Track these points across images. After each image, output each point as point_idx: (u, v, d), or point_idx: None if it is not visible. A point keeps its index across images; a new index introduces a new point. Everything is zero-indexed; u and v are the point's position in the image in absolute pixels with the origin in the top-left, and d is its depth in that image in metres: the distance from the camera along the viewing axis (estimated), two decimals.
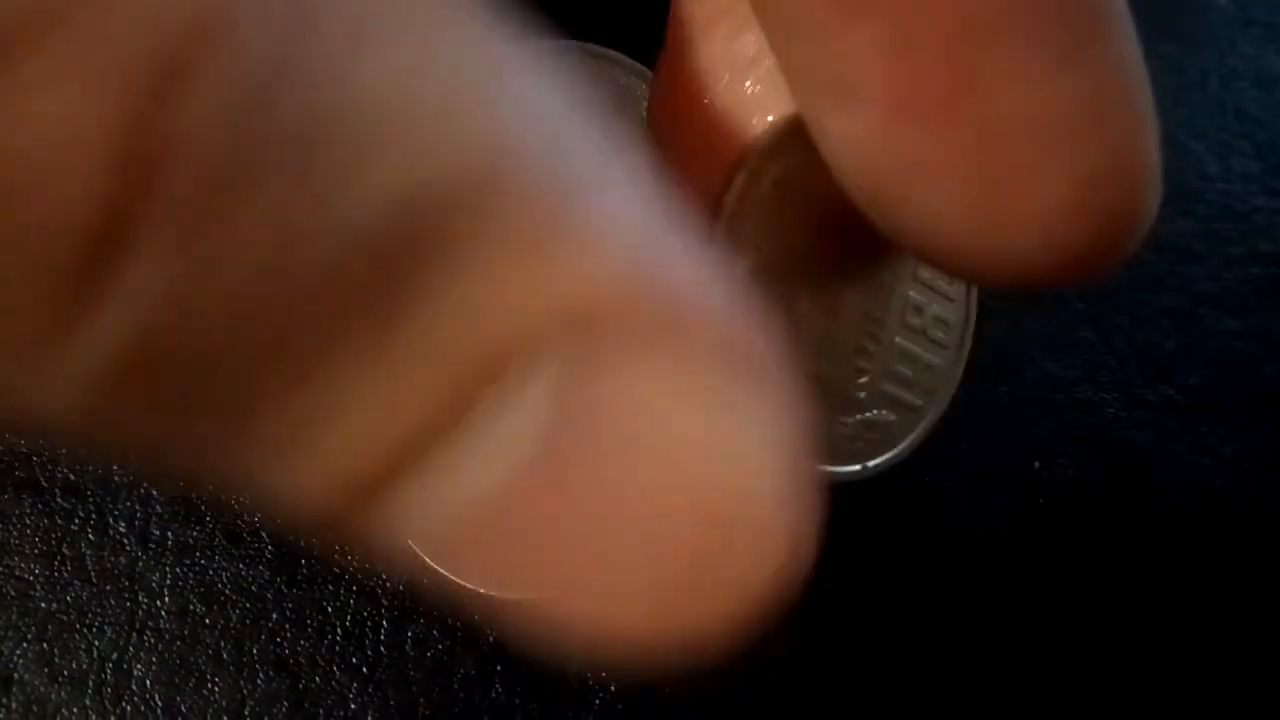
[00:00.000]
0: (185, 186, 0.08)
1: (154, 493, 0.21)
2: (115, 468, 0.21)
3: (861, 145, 0.13)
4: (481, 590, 0.11)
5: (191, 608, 0.20)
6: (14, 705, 0.19)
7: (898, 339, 0.17)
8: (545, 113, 0.10)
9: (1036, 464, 0.22)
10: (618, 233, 0.10)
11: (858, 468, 0.17)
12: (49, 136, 0.08)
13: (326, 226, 0.08)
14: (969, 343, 0.18)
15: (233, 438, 0.09)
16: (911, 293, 0.17)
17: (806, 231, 0.16)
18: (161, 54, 0.08)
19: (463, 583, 0.11)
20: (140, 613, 0.20)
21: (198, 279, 0.08)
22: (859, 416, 0.17)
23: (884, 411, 0.17)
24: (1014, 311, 0.24)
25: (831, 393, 0.17)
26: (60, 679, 0.19)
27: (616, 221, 0.10)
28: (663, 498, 0.10)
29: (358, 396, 0.09)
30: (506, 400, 0.10)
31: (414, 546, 0.10)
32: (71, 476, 0.21)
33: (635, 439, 0.10)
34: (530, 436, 0.10)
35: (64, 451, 0.21)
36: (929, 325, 0.18)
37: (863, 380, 0.17)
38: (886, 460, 0.17)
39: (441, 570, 0.11)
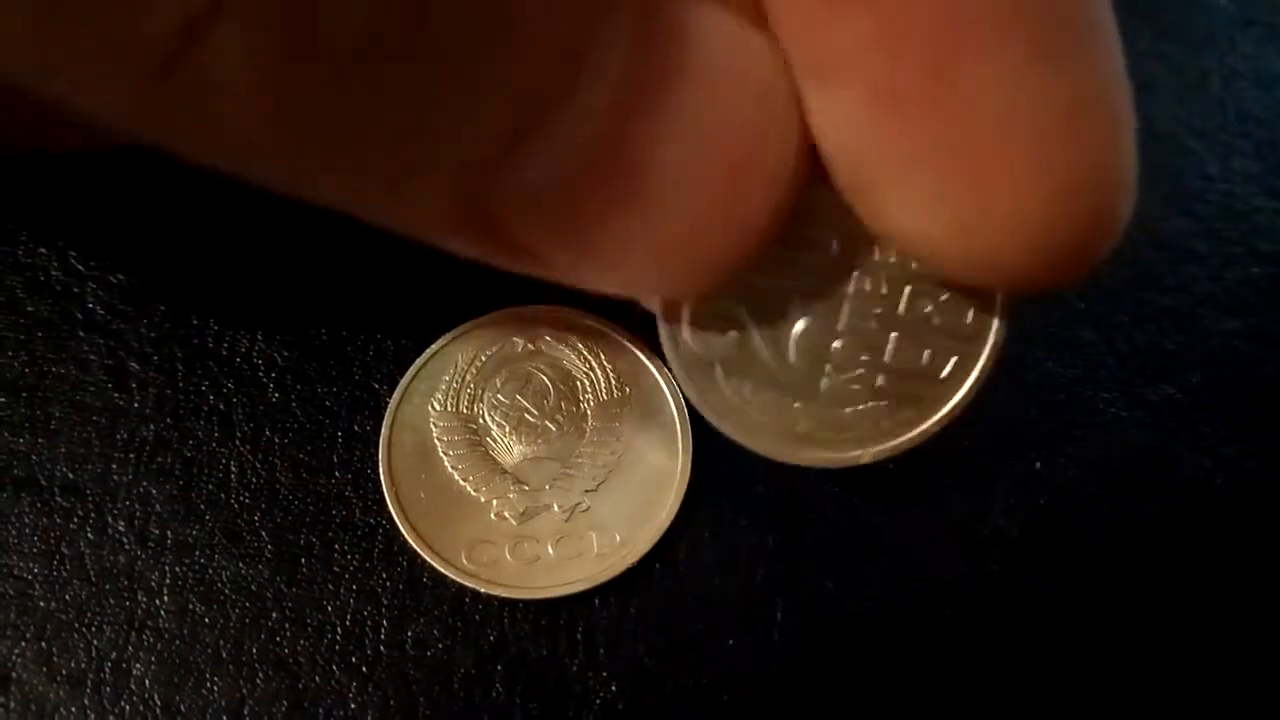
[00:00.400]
0: None
1: (153, 491, 0.21)
2: (114, 466, 0.21)
3: (842, 129, 0.13)
4: (567, 251, 0.14)
5: (191, 607, 0.20)
6: (12, 705, 0.19)
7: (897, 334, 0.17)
8: None
9: (1037, 464, 0.22)
10: None
11: (858, 452, 0.17)
12: None
13: None
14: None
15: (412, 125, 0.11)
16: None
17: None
18: None
19: (550, 251, 0.14)
20: (139, 612, 0.20)
21: None
22: (861, 407, 0.17)
23: (884, 403, 0.17)
24: (1014, 310, 0.24)
25: (833, 386, 0.17)
26: (59, 678, 0.19)
27: None
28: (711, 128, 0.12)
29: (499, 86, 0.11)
30: (595, 62, 0.11)
31: (517, 223, 0.13)
32: (70, 475, 0.21)
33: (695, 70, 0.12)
34: (612, 79, 0.12)
35: (62, 450, 0.21)
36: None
37: (860, 371, 0.17)
38: (888, 449, 0.17)
39: (533, 243, 0.14)
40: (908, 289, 0.17)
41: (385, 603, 0.20)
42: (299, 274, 0.23)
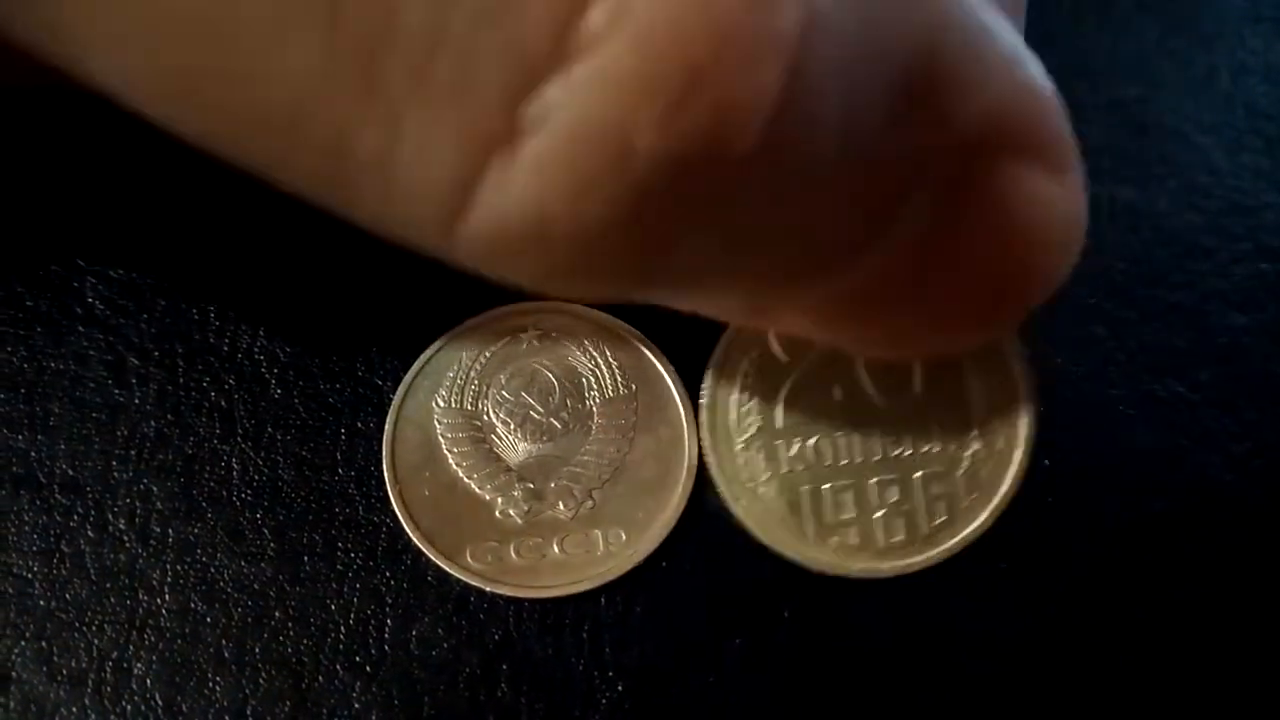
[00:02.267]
0: None
1: (154, 489, 0.21)
2: (114, 463, 0.21)
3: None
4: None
5: (192, 606, 0.20)
6: (12, 705, 0.19)
7: None
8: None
9: (1046, 461, 0.22)
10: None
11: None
12: None
13: None
14: None
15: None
16: None
17: None
18: None
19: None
20: (140, 611, 0.20)
21: None
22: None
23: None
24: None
25: None
26: (59, 678, 0.19)
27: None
28: (1006, 239, 0.15)
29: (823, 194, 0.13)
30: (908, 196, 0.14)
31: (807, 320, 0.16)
32: (70, 472, 0.21)
33: (993, 204, 0.15)
34: (924, 215, 0.14)
35: (61, 446, 0.21)
36: None
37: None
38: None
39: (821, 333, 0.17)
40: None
41: (389, 601, 0.20)
42: (302, 269, 0.23)
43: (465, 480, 0.21)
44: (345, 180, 0.11)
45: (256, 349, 0.22)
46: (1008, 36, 0.14)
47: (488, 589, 0.20)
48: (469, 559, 0.20)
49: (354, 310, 0.22)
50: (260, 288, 0.23)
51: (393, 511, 0.20)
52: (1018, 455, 0.21)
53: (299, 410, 0.21)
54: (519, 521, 0.20)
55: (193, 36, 0.10)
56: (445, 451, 0.21)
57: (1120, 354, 0.23)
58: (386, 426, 0.21)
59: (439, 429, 0.21)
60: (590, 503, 0.21)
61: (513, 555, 0.20)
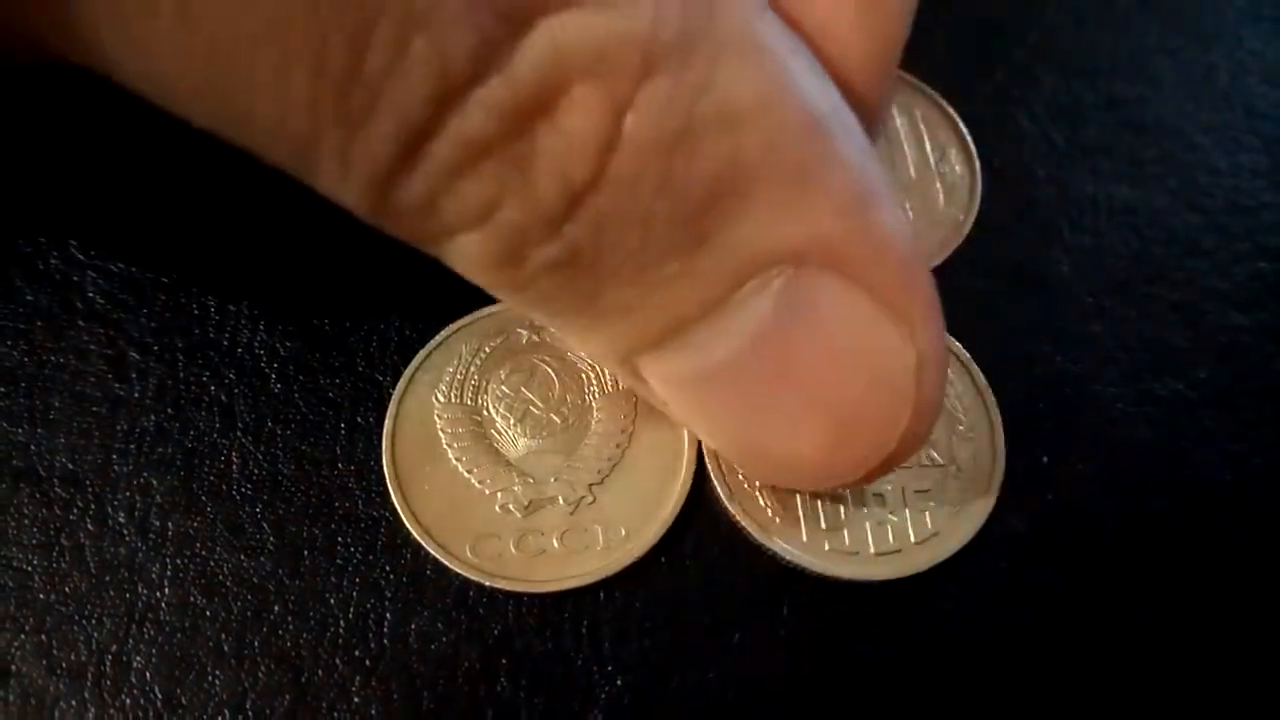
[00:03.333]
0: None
1: (154, 482, 0.21)
2: (114, 457, 0.21)
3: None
4: (700, 436, 0.20)
5: (192, 599, 0.20)
6: (12, 698, 0.19)
7: None
8: (805, 84, 0.16)
9: (1045, 459, 0.22)
10: (847, 181, 0.16)
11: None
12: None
13: (685, 185, 0.15)
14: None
15: (587, 306, 0.16)
16: None
17: None
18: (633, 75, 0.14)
19: (688, 424, 0.20)
20: (140, 604, 0.20)
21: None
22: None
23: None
24: (1022, 307, 0.24)
25: None
26: (59, 671, 0.19)
27: (847, 173, 0.16)
28: (840, 373, 0.17)
29: (666, 284, 0.16)
30: (749, 296, 0.16)
31: (663, 392, 0.18)
32: (70, 466, 0.21)
33: (829, 335, 0.17)
34: (758, 321, 0.16)
35: (62, 440, 0.21)
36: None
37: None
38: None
39: (677, 412, 0.19)
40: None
41: (389, 596, 0.20)
42: (302, 264, 0.23)
43: (465, 475, 0.21)
44: (311, 166, 0.15)
45: (257, 344, 0.22)
46: (867, 184, 0.16)
47: (487, 584, 0.20)
48: (469, 554, 0.20)
49: (354, 305, 0.22)
50: (260, 283, 0.23)
51: (392, 506, 0.20)
52: (998, 470, 0.21)
53: (299, 405, 0.21)
54: (519, 516, 0.20)
55: (216, 71, 0.14)
56: (445, 446, 0.21)
57: (1119, 352, 0.23)
58: (386, 421, 0.21)
59: (439, 424, 0.21)
60: (590, 498, 0.21)
61: (512, 550, 0.20)
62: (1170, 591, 0.21)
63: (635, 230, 0.15)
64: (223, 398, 0.21)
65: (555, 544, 0.20)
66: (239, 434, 0.21)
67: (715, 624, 0.20)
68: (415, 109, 0.14)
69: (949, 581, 0.21)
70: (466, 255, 0.16)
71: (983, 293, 0.24)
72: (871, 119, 0.18)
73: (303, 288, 0.23)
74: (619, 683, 0.20)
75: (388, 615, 0.20)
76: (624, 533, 0.20)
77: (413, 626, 0.20)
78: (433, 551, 0.20)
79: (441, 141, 0.14)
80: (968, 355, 0.23)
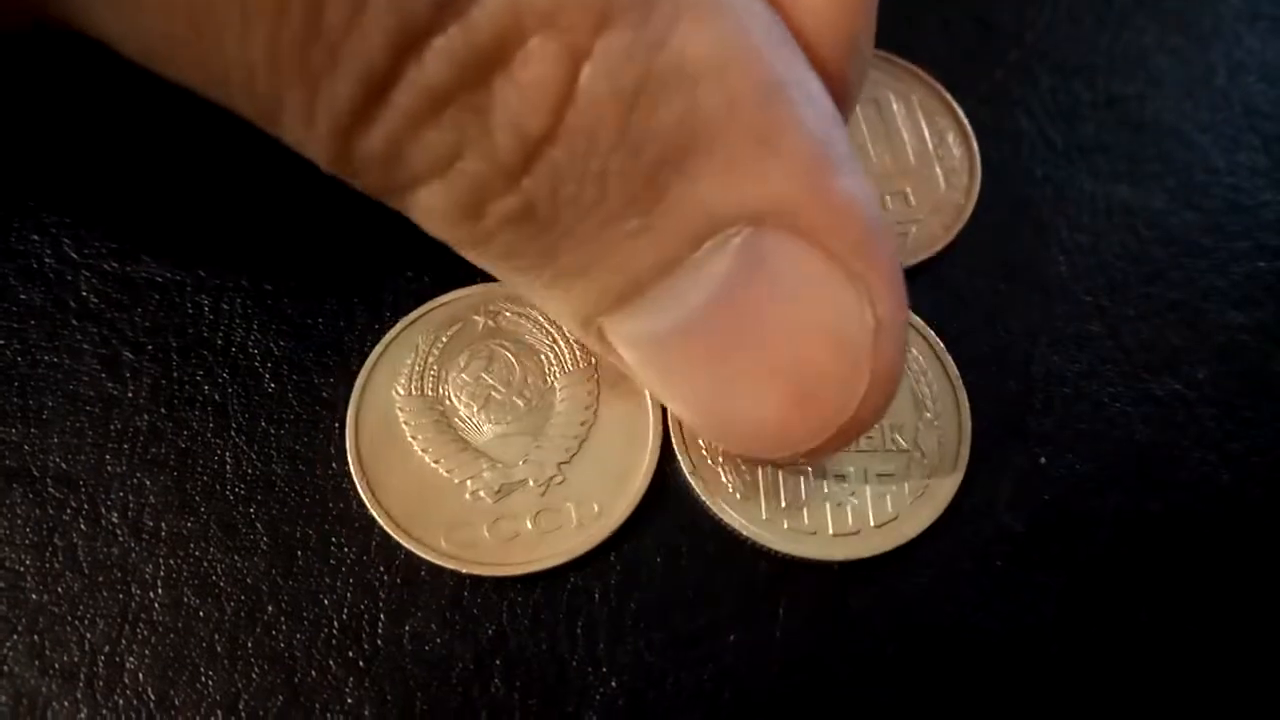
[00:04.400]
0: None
1: (147, 482, 0.21)
2: (108, 457, 0.21)
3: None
4: (665, 402, 0.19)
5: (185, 600, 0.20)
6: (3, 699, 0.19)
7: None
8: (767, 47, 0.16)
9: (1042, 459, 0.22)
10: (807, 144, 0.16)
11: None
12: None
13: (641, 141, 0.15)
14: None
15: (544, 263, 0.17)
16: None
17: None
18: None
19: (652, 389, 0.19)
20: (133, 605, 0.20)
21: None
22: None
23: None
24: (1019, 306, 0.24)
25: None
26: (51, 672, 0.19)
27: (808, 137, 0.16)
28: (799, 336, 0.17)
29: (624, 241, 0.16)
30: (707, 256, 0.16)
31: (627, 355, 0.18)
32: (63, 466, 0.21)
33: (787, 296, 0.17)
34: (716, 281, 0.16)
35: (55, 440, 0.21)
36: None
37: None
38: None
39: (641, 375, 0.19)
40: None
41: (382, 596, 0.20)
42: (297, 263, 0.23)
43: (432, 465, 0.21)
44: (277, 120, 0.15)
45: (250, 343, 0.22)
46: (832, 146, 0.16)
47: (464, 571, 0.20)
48: (443, 543, 0.20)
49: (349, 305, 0.22)
50: (255, 282, 0.22)
51: (361, 501, 0.20)
52: (963, 459, 0.21)
53: (293, 404, 0.21)
54: (490, 502, 0.20)
55: (191, 31, 0.14)
56: (409, 439, 0.21)
57: (1118, 352, 0.23)
58: (348, 419, 0.21)
59: (400, 417, 0.21)
60: (560, 477, 0.21)
61: (486, 535, 0.20)
62: (1168, 593, 0.21)
63: (592, 185, 0.15)
64: (216, 397, 0.21)
65: (529, 525, 0.20)
66: (233, 434, 0.21)
67: (711, 625, 0.20)
68: (376, 58, 0.14)
69: (948, 583, 0.21)
70: (428, 207, 0.16)
71: (980, 291, 0.24)
72: (841, 90, 0.18)
73: (297, 287, 0.23)
74: (614, 684, 0.19)
75: (381, 616, 0.20)
76: (596, 508, 0.20)
77: (406, 627, 0.20)
78: (406, 544, 0.20)
79: (402, 90, 0.14)
80: (941, 344, 0.22)
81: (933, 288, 0.24)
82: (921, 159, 0.25)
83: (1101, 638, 0.20)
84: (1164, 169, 0.26)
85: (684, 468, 0.21)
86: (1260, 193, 0.25)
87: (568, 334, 0.22)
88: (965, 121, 0.25)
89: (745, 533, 0.20)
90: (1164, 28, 0.28)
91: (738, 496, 0.21)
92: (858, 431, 0.18)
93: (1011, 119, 0.26)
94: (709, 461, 0.21)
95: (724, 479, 0.21)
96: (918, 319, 0.23)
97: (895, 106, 0.26)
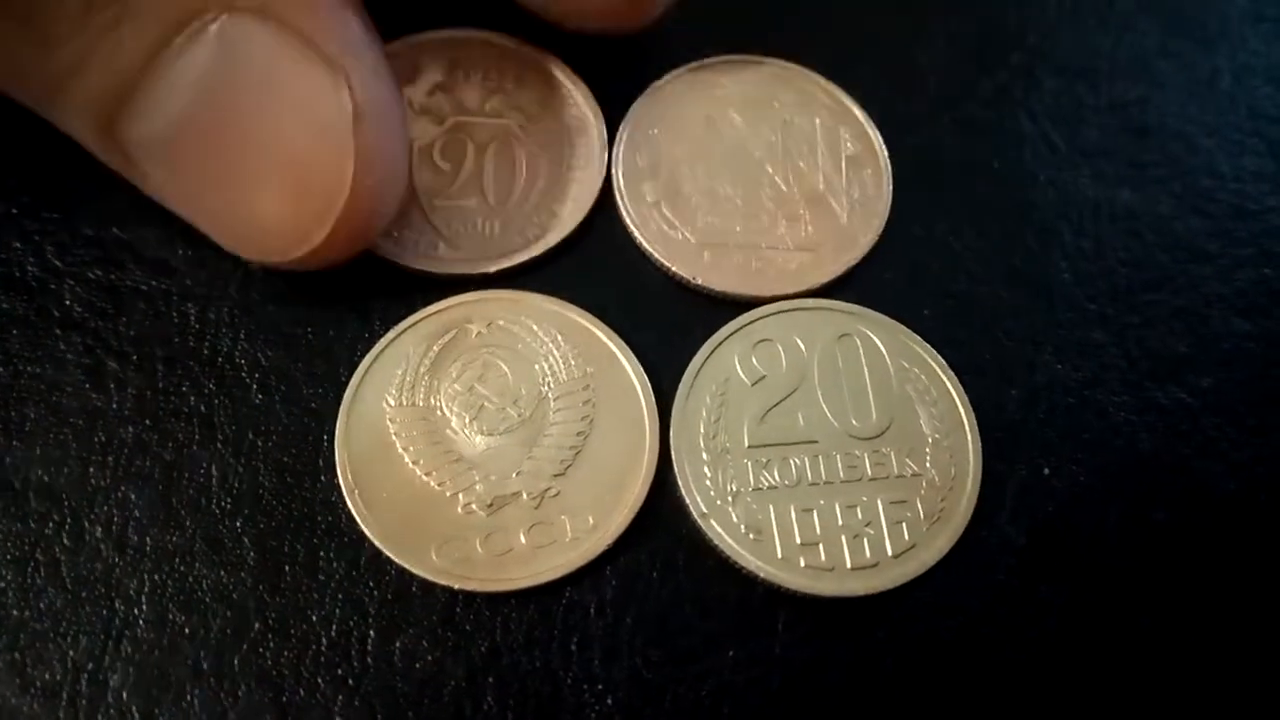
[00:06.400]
0: None
1: (132, 496, 0.20)
2: (92, 470, 0.20)
3: None
4: (179, 209, 0.20)
5: (170, 617, 0.19)
6: None
7: None
8: None
9: (1046, 470, 0.22)
10: None
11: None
12: None
13: None
14: None
15: (25, 67, 0.18)
16: None
17: None
18: None
19: (169, 198, 0.20)
20: (117, 621, 0.19)
21: None
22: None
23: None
24: (1022, 313, 0.23)
25: None
26: (33, 690, 0.19)
27: None
28: (281, 124, 0.18)
29: (107, 31, 0.17)
30: (187, 45, 0.17)
31: (142, 163, 0.19)
32: (46, 479, 0.20)
33: (265, 82, 0.18)
34: (199, 70, 0.18)
35: (38, 453, 0.20)
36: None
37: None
38: None
39: (158, 184, 0.20)
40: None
41: (372, 612, 0.19)
42: (283, 271, 0.22)
43: (423, 478, 0.20)
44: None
45: (237, 353, 0.21)
46: None
47: (456, 587, 0.19)
48: (434, 558, 0.19)
49: (337, 313, 0.22)
50: (242, 289, 0.22)
51: (351, 516, 0.20)
52: (969, 485, 0.21)
53: (280, 415, 0.21)
54: (483, 515, 0.20)
55: None
56: (400, 450, 0.20)
57: (1122, 360, 0.23)
58: (337, 431, 0.20)
59: (391, 428, 0.21)
60: (554, 490, 0.20)
61: (479, 550, 0.20)
62: (1173, 605, 0.21)
63: None
64: (202, 408, 0.21)
65: (522, 539, 0.20)
66: (219, 446, 0.21)
67: (709, 641, 0.20)
68: None
69: (949, 595, 0.20)
70: None
71: (982, 298, 0.23)
72: None
73: (284, 295, 0.22)
74: (609, 702, 0.19)
75: (371, 632, 0.19)
76: (591, 522, 0.20)
77: (397, 644, 0.19)
78: (398, 559, 0.19)
79: None
80: (943, 361, 0.22)
81: (933, 294, 0.23)
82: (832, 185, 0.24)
83: (1105, 652, 0.20)
84: (1168, 173, 0.25)
85: (693, 512, 0.20)
86: (1266, 198, 0.25)
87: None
88: (879, 146, 0.25)
89: (763, 575, 0.20)
90: (1168, 30, 0.27)
91: (751, 538, 0.20)
92: (366, 222, 0.19)
93: (1014, 121, 0.26)
94: (718, 502, 0.20)
95: (734, 519, 0.20)
96: (920, 339, 0.22)
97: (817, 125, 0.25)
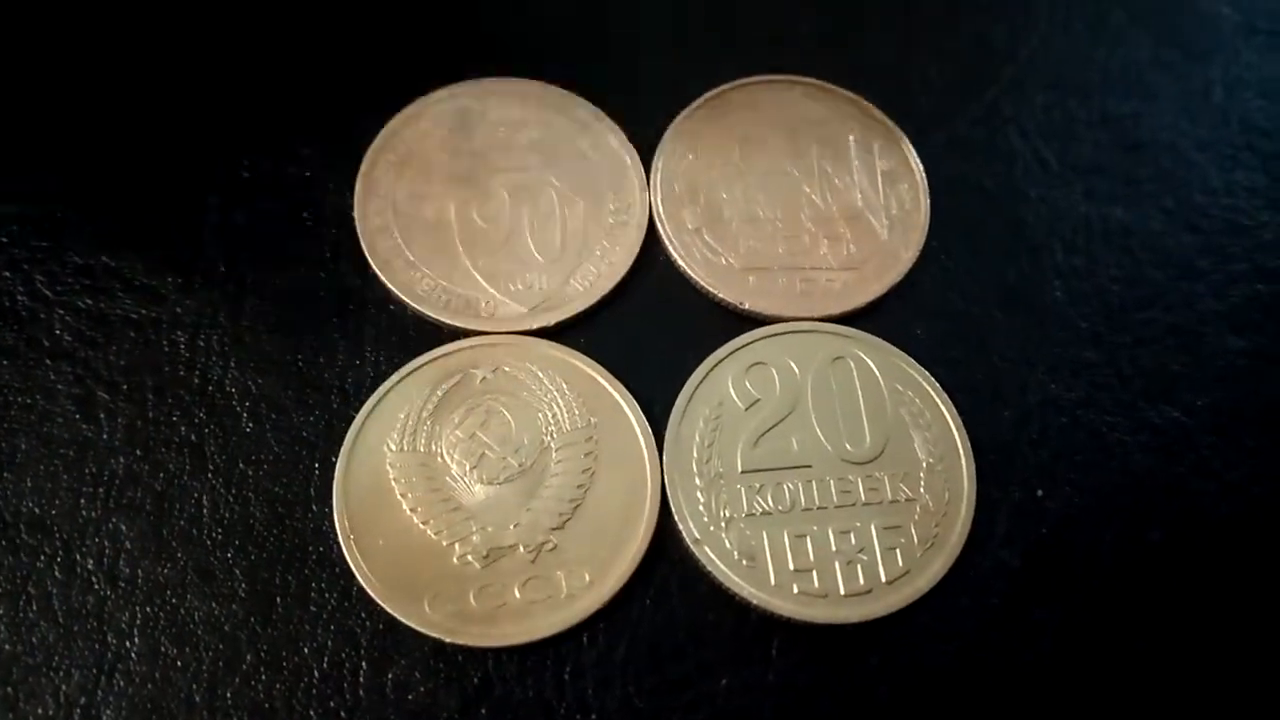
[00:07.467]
0: None
1: (123, 528, 0.20)
2: (82, 501, 0.20)
3: None
4: None
5: (162, 649, 0.19)
6: None
7: None
8: None
9: (1039, 492, 0.21)
10: None
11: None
12: None
13: None
14: None
15: None
16: None
17: None
18: None
19: None
20: (109, 654, 0.19)
21: None
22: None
23: None
24: (1013, 332, 0.23)
25: None
26: None
27: None
28: None
29: None
30: None
31: None
32: (36, 511, 0.20)
33: None
34: None
35: (28, 484, 0.20)
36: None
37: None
38: None
39: None
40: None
41: (364, 644, 0.19)
42: (274, 295, 0.22)
43: (420, 527, 0.20)
44: None
45: (228, 381, 0.21)
46: None
47: (447, 640, 0.19)
48: (426, 609, 0.19)
49: (329, 340, 0.22)
50: (232, 317, 0.22)
51: (346, 564, 0.19)
52: (963, 509, 0.21)
53: (271, 445, 0.21)
54: (478, 567, 0.20)
55: None
56: (399, 497, 0.20)
57: (1114, 379, 0.23)
58: (336, 474, 0.20)
59: (391, 474, 0.20)
60: (551, 543, 0.20)
61: (472, 603, 0.19)
62: (1168, 626, 0.20)
63: None
64: (193, 438, 0.21)
65: (516, 595, 0.19)
66: (210, 476, 0.21)
67: (702, 668, 0.20)
68: None
69: (944, 618, 0.20)
70: None
71: (973, 318, 0.23)
72: None
73: (275, 323, 0.22)
74: None
75: (363, 664, 0.19)
76: (587, 579, 0.20)
77: (389, 676, 0.19)
78: (390, 610, 0.19)
79: None
80: (937, 384, 0.22)
81: (925, 314, 0.23)
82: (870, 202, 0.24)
83: (1099, 675, 0.20)
84: (1160, 189, 0.25)
85: (686, 537, 0.20)
86: (1259, 213, 0.25)
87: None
88: (918, 167, 0.25)
89: (756, 601, 0.20)
90: (1160, 43, 0.27)
91: (744, 564, 0.20)
92: None
93: (1004, 138, 0.25)
94: (711, 528, 0.20)
95: (728, 545, 0.20)
96: (913, 361, 0.22)
97: (851, 145, 0.25)
